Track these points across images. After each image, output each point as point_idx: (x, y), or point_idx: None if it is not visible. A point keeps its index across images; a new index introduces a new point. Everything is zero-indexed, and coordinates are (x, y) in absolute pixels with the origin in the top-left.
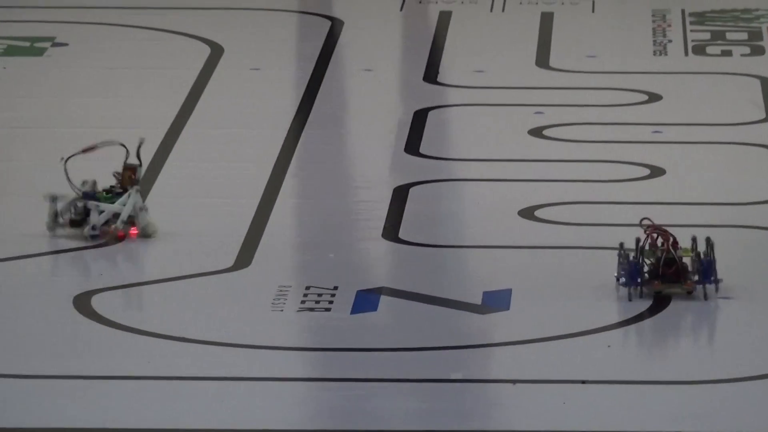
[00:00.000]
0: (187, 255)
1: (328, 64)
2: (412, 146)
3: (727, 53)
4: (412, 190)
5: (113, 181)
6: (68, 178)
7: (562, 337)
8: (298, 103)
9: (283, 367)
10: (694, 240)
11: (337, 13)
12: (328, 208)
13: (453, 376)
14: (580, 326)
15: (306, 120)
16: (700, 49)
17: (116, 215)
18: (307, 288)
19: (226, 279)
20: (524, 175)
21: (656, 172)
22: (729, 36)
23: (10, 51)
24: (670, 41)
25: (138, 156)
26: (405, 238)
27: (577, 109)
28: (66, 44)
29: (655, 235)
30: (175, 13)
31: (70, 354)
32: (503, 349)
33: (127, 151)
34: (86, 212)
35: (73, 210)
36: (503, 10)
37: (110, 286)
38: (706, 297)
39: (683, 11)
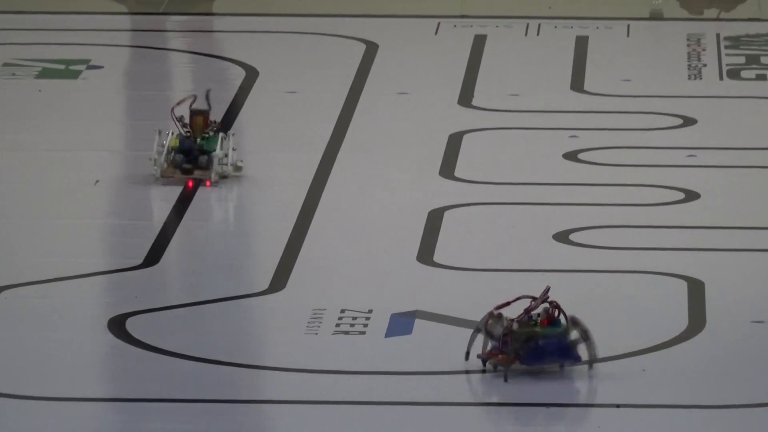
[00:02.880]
0: (222, 277)
1: (363, 87)
2: (447, 170)
3: (761, 77)
4: (446, 214)
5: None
6: (177, 123)
7: (596, 360)
8: (333, 127)
9: (317, 390)
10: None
11: (371, 37)
12: (363, 231)
13: (488, 399)
14: (614, 349)
15: (341, 143)
16: (734, 74)
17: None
18: (342, 311)
19: (260, 302)
20: (559, 198)
21: (691, 196)
22: (764, 60)
23: (45, 73)
24: (704, 65)
25: (207, 102)
26: (440, 262)
27: (611, 133)
28: (101, 67)
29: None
30: (210, 36)
31: (103, 377)
32: (537, 373)
33: (194, 97)
34: (188, 158)
35: (171, 157)
36: (538, 33)
37: (145, 308)
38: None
39: (718, 35)
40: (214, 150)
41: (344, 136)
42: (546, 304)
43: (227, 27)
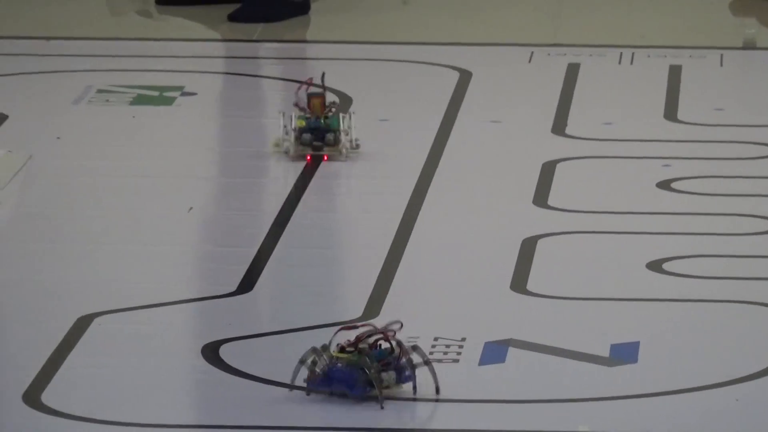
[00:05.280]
0: (315, 305)
1: (456, 115)
2: (541, 198)
3: None
4: (540, 242)
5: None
6: (299, 106)
7: (690, 390)
8: (426, 155)
9: (412, 418)
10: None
11: (465, 65)
12: (456, 259)
13: (580, 429)
14: (708, 379)
15: (434, 171)
16: None
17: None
18: (435, 339)
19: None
20: (652, 228)
21: None
22: None
23: (140, 100)
24: None
25: (322, 85)
26: (533, 290)
27: (704, 162)
28: (195, 93)
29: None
30: (302, 64)
31: (197, 404)
32: (630, 402)
33: (311, 79)
34: (316, 137)
35: (296, 132)
36: (631, 62)
37: (239, 335)
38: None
39: None
40: (339, 127)
41: (437, 164)
42: (384, 335)
43: (320, 54)
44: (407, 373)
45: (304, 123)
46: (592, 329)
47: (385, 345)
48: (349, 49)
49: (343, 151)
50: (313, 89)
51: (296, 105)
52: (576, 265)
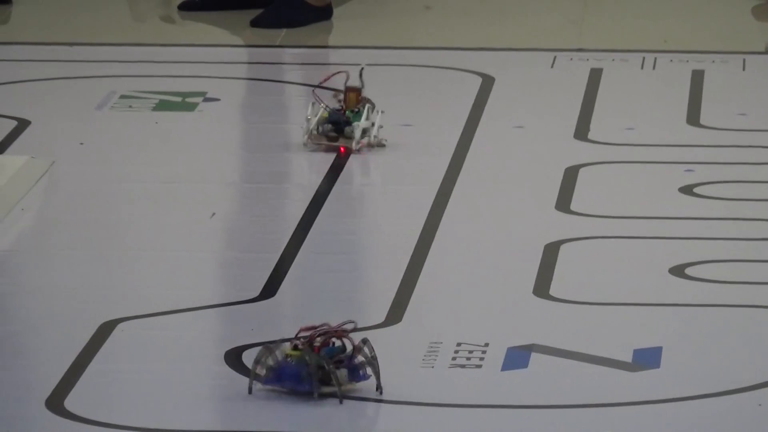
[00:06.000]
0: (336, 310)
1: (479, 120)
2: (563, 203)
3: None
4: (563, 247)
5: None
6: (321, 102)
7: (713, 395)
8: (449, 160)
9: (434, 424)
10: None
11: (488, 70)
12: (479, 264)
13: None
14: (731, 384)
15: (457, 176)
16: None
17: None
18: (458, 344)
19: (377, 335)
20: (675, 232)
21: None
22: None
23: (162, 106)
24: None
25: (360, 79)
26: (556, 295)
27: (727, 167)
28: (218, 99)
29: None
30: (325, 69)
31: (220, 410)
32: (653, 408)
33: (347, 74)
34: (335, 128)
35: (320, 128)
36: (654, 67)
37: (261, 341)
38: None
39: None
40: (359, 120)
41: (460, 169)
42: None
43: (343, 59)
44: (361, 372)
45: (327, 115)
46: (615, 334)
47: (338, 343)
48: (372, 54)
49: (354, 145)
50: (351, 82)
51: (334, 96)
52: (598, 270)
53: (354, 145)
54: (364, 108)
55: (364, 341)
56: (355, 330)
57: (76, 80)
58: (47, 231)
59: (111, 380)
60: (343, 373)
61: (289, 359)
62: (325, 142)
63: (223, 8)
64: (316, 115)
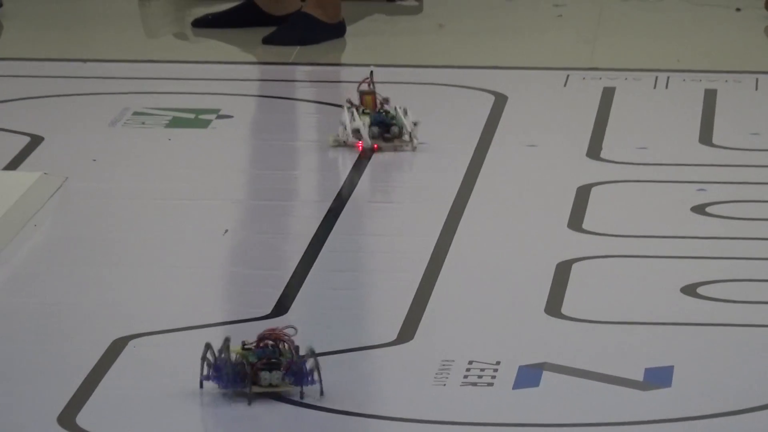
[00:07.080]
0: (350, 328)
1: (491, 139)
2: (575, 222)
3: None
4: (575, 266)
5: None
6: (355, 106)
7: (725, 414)
8: (461, 178)
9: None
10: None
11: (500, 88)
12: (491, 282)
13: None
14: (743, 404)
15: (469, 195)
16: None
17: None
18: (470, 362)
19: (388, 352)
20: (687, 252)
21: None
22: None
23: (176, 122)
24: None
25: (372, 82)
26: (567, 314)
27: (740, 187)
28: (231, 116)
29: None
30: (339, 87)
31: (231, 427)
32: (665, 427)
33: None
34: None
35: (370, 131)
36: (667, 86)
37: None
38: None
39: None
40: (402, 121)
41: (473, 187)
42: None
43: (356, 77)
44: (307, 377)
45: (368, 118)
46: (627, 353)
47: (285, 347)
48: (385, 72)
49: (415, 143)
50: (363, 87)
51: (348, 102)
52: (610, 289)
53: (414, 142)
54: (391, 108)
55: (312, 350)
56: (282, 332)
57: (90, 96)
58: (60, 247)
59: (123, 396)
60: (275, 374)
61: (222, 357)
62: (381, 144)
63: (237, 26)
64: (354, 120)
